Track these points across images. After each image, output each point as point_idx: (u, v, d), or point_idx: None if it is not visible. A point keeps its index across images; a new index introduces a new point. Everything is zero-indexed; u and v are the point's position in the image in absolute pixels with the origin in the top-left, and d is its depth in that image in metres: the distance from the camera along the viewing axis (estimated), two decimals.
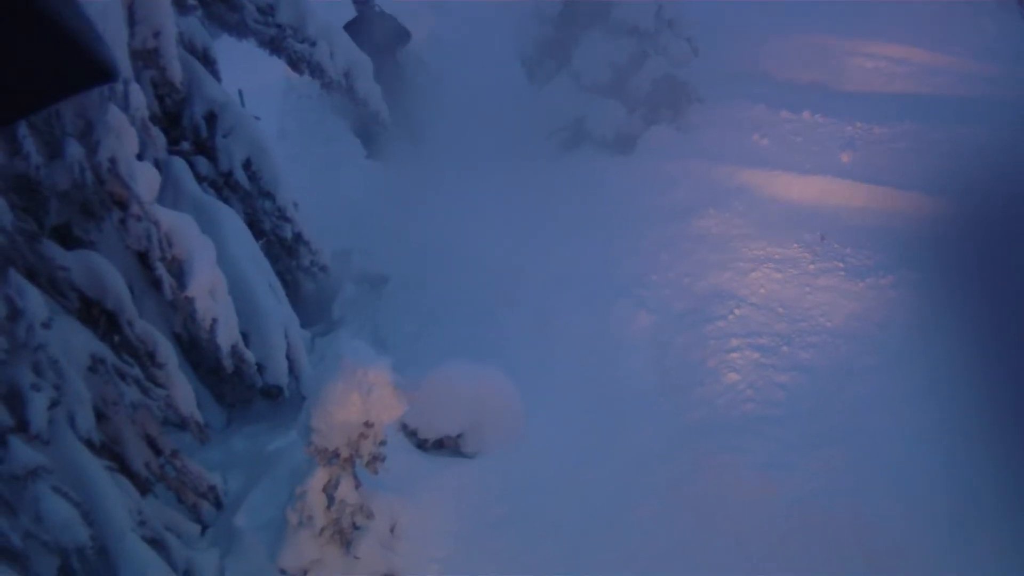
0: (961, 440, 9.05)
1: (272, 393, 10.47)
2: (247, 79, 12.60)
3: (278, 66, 12.35)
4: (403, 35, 19.46)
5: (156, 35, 8.16)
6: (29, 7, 1.40)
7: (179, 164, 10.04)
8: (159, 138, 8.99)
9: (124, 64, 7.11)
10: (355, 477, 7.57)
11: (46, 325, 6.74)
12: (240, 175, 10.87)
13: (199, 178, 10.49)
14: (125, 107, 7.25)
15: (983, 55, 16.39)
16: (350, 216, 14.98)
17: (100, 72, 1.53)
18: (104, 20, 6.90)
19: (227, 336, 8.56)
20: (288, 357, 10.19)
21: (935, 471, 8.82)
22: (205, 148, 10.83)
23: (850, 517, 8.45)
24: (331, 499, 7.48)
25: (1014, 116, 13.62)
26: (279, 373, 10.07)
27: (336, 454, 7.36)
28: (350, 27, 18.11)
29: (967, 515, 8.43)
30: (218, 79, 11.07)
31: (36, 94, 1.59)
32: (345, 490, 7.51)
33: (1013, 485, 8.56)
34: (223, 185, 10.95)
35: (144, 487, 8.13)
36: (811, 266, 11.68)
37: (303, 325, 10.95)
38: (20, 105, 1.60)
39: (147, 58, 8.26)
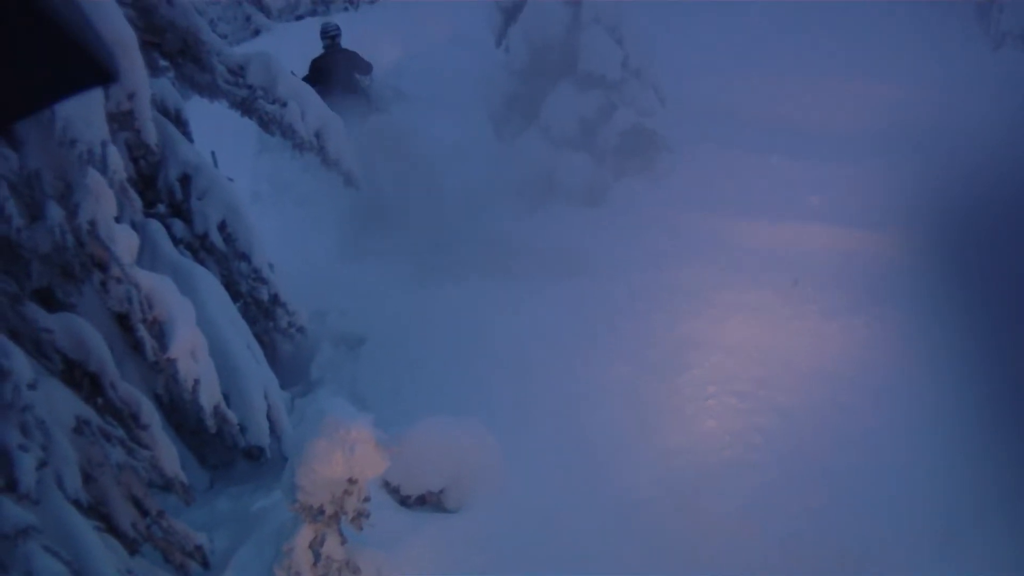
0: (944, 472, 9.14)
1: (254, 454, 10.47)
2: (219, 141, 12.64)
3: (250, 127, 12.40)
4: (366, 67, 19.85)
5: (131, 97, 8.19)
6: (29, 7, 1.43)
7: (155, 227, 10.06)
8: (136, 200, 9.03)
9: (101, 126, 7.16)
10: (340, 533, 7.57)
11: (32, 386, 6.76)
12: (216, 237, 10.88)
13: (175, 241, 10.50)
14: (104, 169, 7.28)
15: (948, 85, 16.63)
16: (324, 278, 15.01)
17: (100, 72, 1.57)
18: None
19: (209, 397, 8.57)
20: (269, 418, 10.16)
21: (919, 505, 8.90)
22: (180, 211, 10.84)
23: (835, 554, 8.51)
24: (317, 555, 7.48)
25: (981, 145, 13.78)
26: (260, 433, 10.06)
27: (321, 511, 7.37)
28: (317, 63, 18.48)
29: (953, 548, 8.51)
30: (191, 141, 11.12)
31: (36, 94, 1.62)
32: (331, 546, 7.51)
33: (997, 515, 8.65)
34: (199, 247, 10.96)
35: (132, 547, 8.12)
36: (785, 310, 11.78)
37: (282, 386, 10.93)
38: (20, 106, 1.65)
39: (122, 120, 8.29)
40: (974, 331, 10.65)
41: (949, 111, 15.96)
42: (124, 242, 7.79)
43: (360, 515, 7.46)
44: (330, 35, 19.86)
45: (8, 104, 1.62)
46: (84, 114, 7.01)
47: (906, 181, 13.94)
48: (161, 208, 10.67)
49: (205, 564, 8.89)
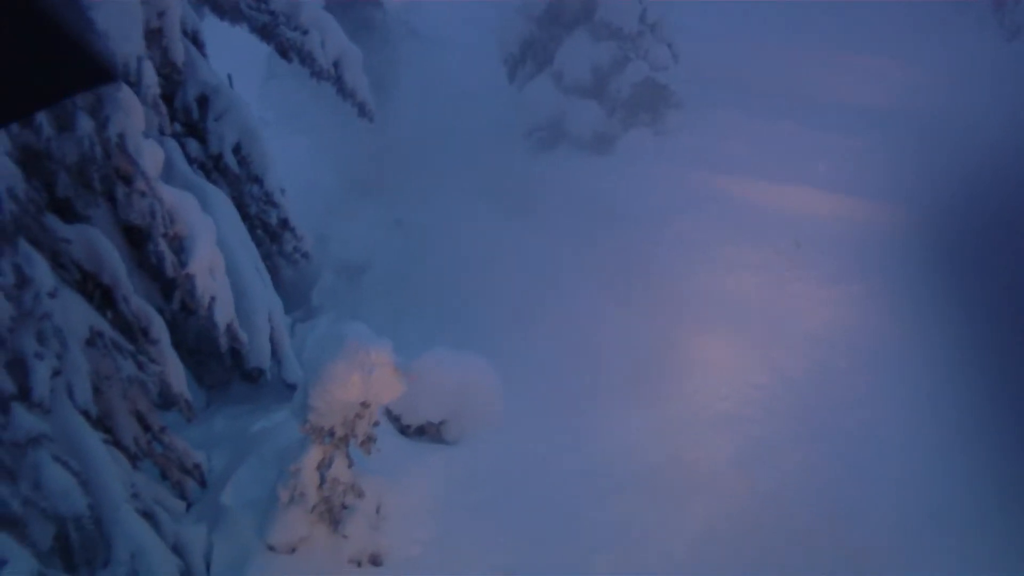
0: (933, 439, 9.30)
1: (252, 376, 10.54)
2: (228, 65, 12.66)
3: (259, 54, 12.38)
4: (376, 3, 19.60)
5: (160, 15, 8.25)
6: (29, 7, 1.44)
7: (171, 145, 10.10)
8: (165, 117, 9.05)
9: (139, 41, 7.21)
10: (348, 457, 7.66)
11: (52, 294, 6.84)
12: (230, 159, 10.92)
13: (189, 160, 10.54)
14: (138, 84, 7.35)
15: (958, 71, 16.72)
16: (329, 206, 15.08)
17: (100, 72, 1.61)
18: None
19: (224, 314, 8.64)
20: (271, 340, 10.26)
21: (908, 469, 9.06)
22: (196, 130, 10.89)
23: (825, 512, 8.64)
24: (323, 478, 7.57)
25: (985, 130, 13.89)
26: (262, 355, 10.13)
27: (331, 433, 7.46)
28: None
29: (940, 512, 8.65)
30: (207, 63, 11.14)
31: (36, 94, 1.62)
32: (338, 469, 7.61)
33: (985, 480, 8.80)
34: (212, 168, 11.00)
35: (132, 462, 8.21)
36: (785, 272, 11.90)
37: (284, 311, 11.03)
38: (19, 105, 1.64)
39: (151, 38, 8.34)
40: (968, 303, 10.79)
41: (958, 95, 16.07)
42: (150, 156, 7.84)
43: (369, 439, 7.56)
44: None
45: (8, 104, 1.61)
46: (122, 27, 7.06)
47: (910, 157, 14.05)
48: (177, 127, 10.70)
49: (202, 483, 8.98)
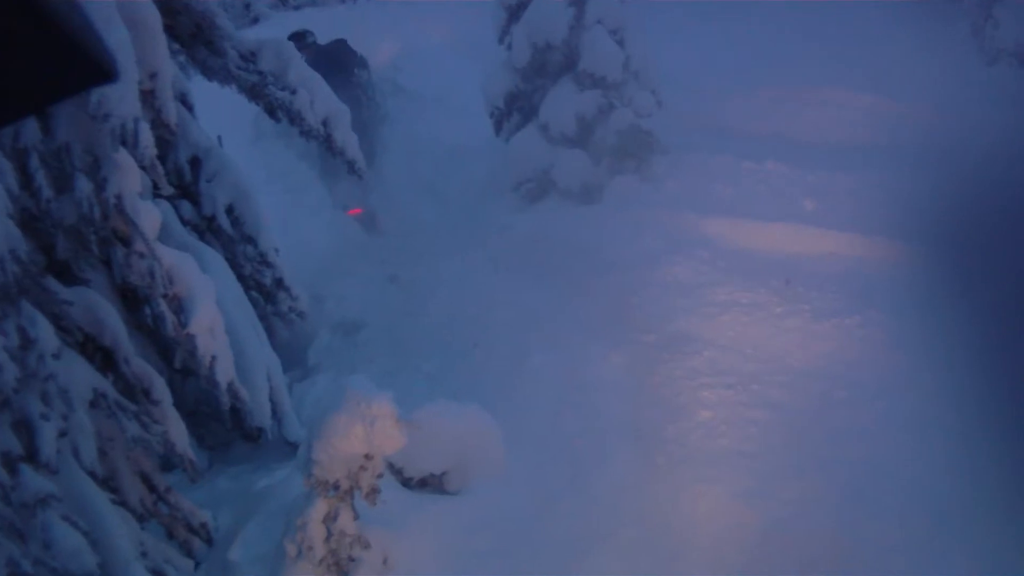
0: (935, 468, 9.35)
1: (252, 435, 10.58)
2: (216, 126, 12.76)
3: (246, 115, 12.46)
4: (357, 59, 19.60)
5: (152, 76, 8.33)
6: (29, 7, 1.47)
7: (166, 207, 10.20)
8: (162, 177, 9.15)
9: (134, 103, 7.32)
10: (353, 509, 7.72)
11: (56, 355, 6.92)
12: (223, 220, 11.01)
13: (183, 222, 10.64)
14: (134, 145, 7.45)
15: (942, 103, 16.84)
16: (319, 263, 15.16)
17: (100, 72, 1.68)
18: (118, 56, 7.10)
19: (225, 373, 8.74)
20: (271, 399, 10.33)
21: (914, 496, 9.09)
22: (189, 192, 10.98)
23: (827, 541, 8.68)
24: (330, 531, 7.62)
25: (972, 162, 14.01)
26: (263, 414, 10.19)
27: (336, 486, 7.50)
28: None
29: (942, 540, 8.69)
30: (198, 124, 11.25)
31: (36, 94, 1.68)
32: (344, 521, 7.63)
33: (988, 511, 8.84)
34: (206, 229, 11.08)
35: (140, 522, 8.27)
36: (778, 309, 11.95)
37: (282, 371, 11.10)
38: (19, 105, 1.71)
39: (144, 99, 8.42)
40: (963, 332, 10.86)
41: (943, 126, 16.24)
42: (148, 218, 7.96)
43: (374, 491, 7.61)
44: (304, 43, 18.89)
45: (8, 104, 1.67)
46: (119, 89, 7.16)
47: (898, 189, 14.16)
48: (170, 189, 10.79)
49: (209, 541, 9.04)
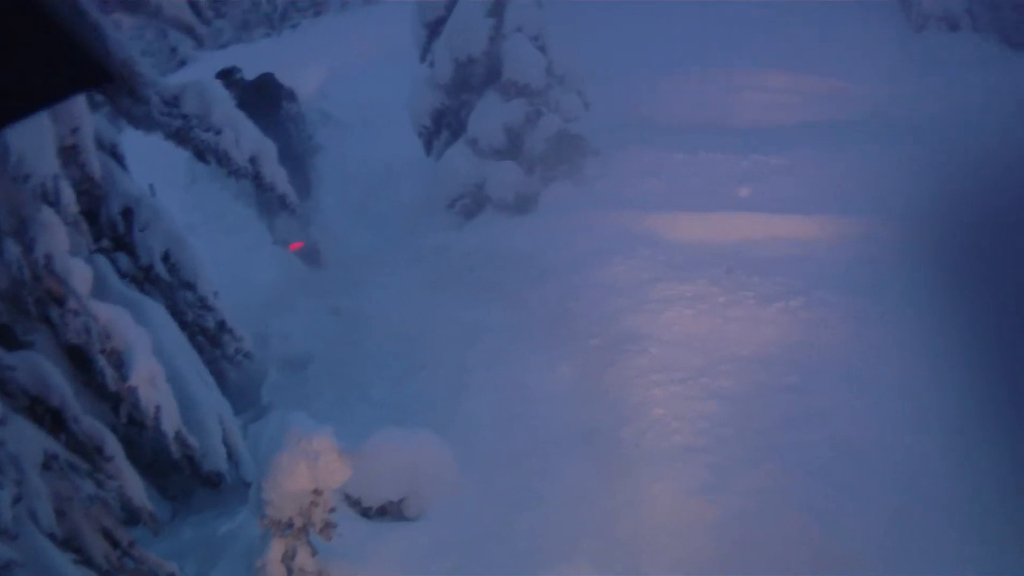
0: (889, 442, 9.39)
1: (213, 481, 10.53)
2: (149, 175, 12.70)
3: (179, 160, 12.44)
4: (289, 94, 19.59)
5: (74, 131, 8.30)
6: (29, 8, 1.52)
7: (102, 261, 10.14)
8: (87, 234, 9.10)
9: (52, 160, 7.28)
10: (310, 545, 7.69)
11: (2, 422, 6.88)
12: (160, 268, 10.96)
13: (121, 274, 10.58)
14: (57, 203, 7.41)
15: (873, 77, 16.96)
16: (263, 301, 15.12)
17: (99, 72, 1.75)
18: (31, 119, 7.07)
19: (171, 423, 8.69)
20: (225, 443, 10.29)
21: (877, 474, 9.12)
22: (124, 244, 10.92)
23: (797, 526, 8.70)
24: (290, 570, 7.60)
25: (905, 134, 14.10)
26: (218, 459, 10.17)
27: (290, 524, 7.48)
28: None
29: (914, 513, 8.72)
30: (128, 174, 11.19)
31: (36, 95, 1.74)
32: (303, 558, 7.61)
33: (953, 478, 8.89)
34: (144, 279, 11.02)
35: None
36: (721, 299, 12.00)
37: (234, 413, 11.05)
38: (19, 106, 1.77)
39: (66, 156, 8.38)
40: (909, 303, 10.92)
41: (875, 96, 16.34)
42: (79, 275, 7.92)
43: (328, 526, 7.59)
44: (231, 80, 18.95)
45: (8, 104, 1.73)
46: (36, 148, 7.13)
47: (838, 171, 14.23)
48: (105, 242, 10.73)
49: None
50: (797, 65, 18.24)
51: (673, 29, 20.37)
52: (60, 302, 7.95)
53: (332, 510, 7.66)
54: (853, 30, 19.09)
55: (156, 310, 10.30)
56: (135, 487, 8.48)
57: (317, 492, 7.47)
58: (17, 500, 6.97)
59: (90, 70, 1.74)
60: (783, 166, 14.81)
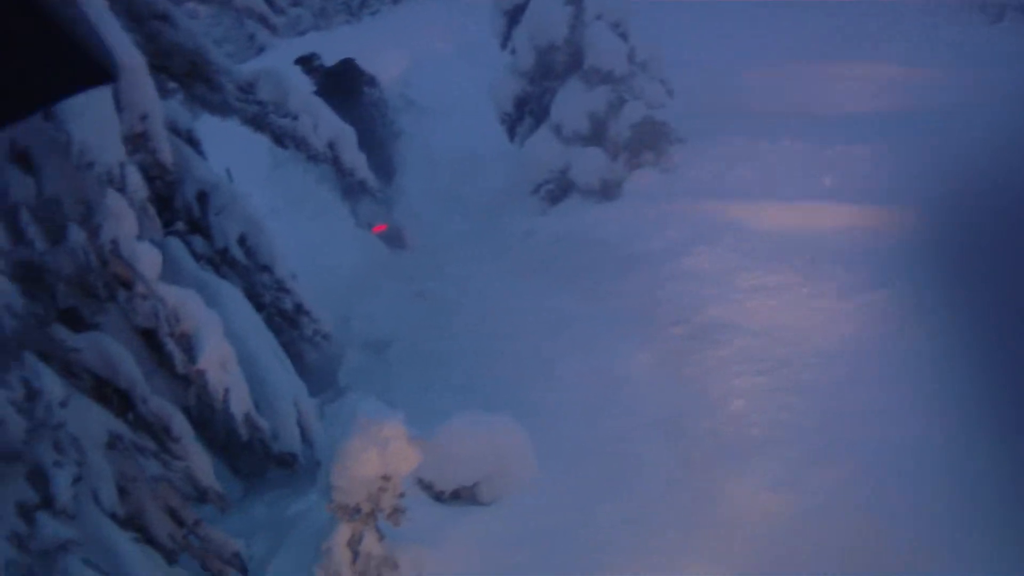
0: (970, 442, 9.14)
1: (286, 461, 10.53)
2: (232, 158, 12.72)
3: (262, 144, 12.45)
4: (370, 80, 19.58)
5: (143, 119, 8.26)
6: (29, 7, 1.46)
7: (176, 244, 10.17)
8: (154, 220, 9.10)
9: (117, 148, 7.25)
10: (378, 530, 7.64)
11: (63, 404, 6.88)
12: (236, 251, 10.98)
13: (196, 257, 10.60)
14: (123, 189, 7.39)
15: (953, 64, 16.66)
16: (346, 284, 15.13)
17: (100, 72, 1.66)
18: (95, 108, 7.07)
19: (240, 405, 8.67)
20: (299, 424, 10.28)
21: (951, 472, 8.86)
22: (199, 227, 10.94)
23: (863, 523, 8.49)
24: (356, 554, 7.56)
25: (989, 120, 13.80)
26: (291, 440, 10.18)
27: (358, 509, 7.45)
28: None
29: (978, 513, 8.50)
30: (204, 159, 11.21)
31: (36, 94, 1.67)
32: (370, 544, 7.58)
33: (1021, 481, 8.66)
34: (220, 262, 11.05)
35: (170, 557, 8.21)
36: (804, 289, 11.80)
37: (311, 393, 11.02)
38: (19, 106, 1.68)
39: (136, 142, 8.36)
40: (991, 303, 10.66)
41: (953, 88, 16.01)
42: (147, 259, 7.90)
43: (396, 511, 7.54)
44: (311, 67, 19.42)
45: (8, 104, 1.65)
46: (99, 137, 7.09)
47: (916, 157, 13.91)
48: (180, 226, 10.76)
49: (244, 571, 8.96)
50: (878, 55, 18.00)
51: (751, 19, 20.25)
52: (128, 286, 7.93)
53: (401, 495, 7.61)
54: (932, 23, 18.85)
55: (231, 292, 10.31)
56: (203, 467, 8.48)
57: (386, 478, 7.42)
58: (77, 480, 6.98)
59: (90, 70, 1.65)
60: (866, 155, 14.54)
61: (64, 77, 1.64)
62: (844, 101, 16.78)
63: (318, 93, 16.15)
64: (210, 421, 9.70)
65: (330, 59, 19.40)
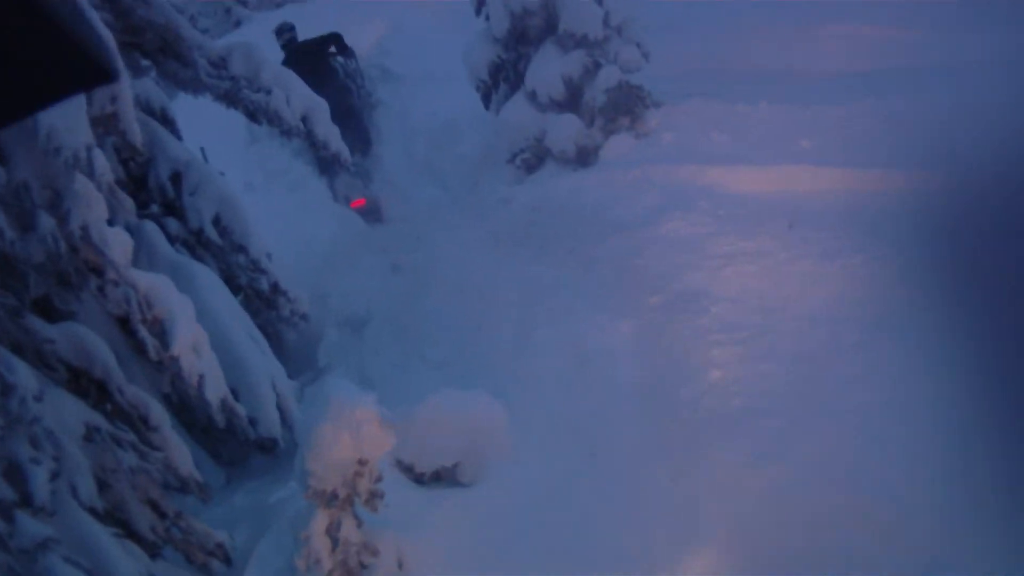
0: (951, 405, 9.11)
1: (267, 447, 10.48)
2: (208, 136, 12.63)
3: (238, 120, 12.38)
4: (347, 51, 19.51)
5: (113, 100, 8.19)
6: (29, 7, 1.44)
7: (150, 227, 10.10)
8: (127, 202, 9.04)
9: (85, 131, 7.18)
10: (356, 516, 7.58)
11: (38, 398, 6.81)
12: (211, 232, 10.91)
13: (171, 238, 10.53)
14: (91, 173, 7.32)
15: (935, 25, 16.57)
16: (323, 259, 15.06)
17: (100, 72, 1.62)
18: None
19: (215, 391, 8.62)
20: (279, 408, 10.23)
21: (929, 437, 8.84)
22: (173, 208, 10.87)
23: (850, 493, 8.47)
24: (335, 541, 7.50)
25: (972, 82, 13.75)
26: (271, 425, 10.12)
27: (335, 495, 7.37)
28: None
29: (966, 477, 8.46)
30: (179, 138, 11.13)
31: (36, 94, 1.64)
32: (348, 530, 7.52)
33: (1006, 457, 8.62)
34: (195, 243, 10.98)
35: (152, 551, 8.16)
36: (782, 255, 11.72)
37: (290, 375, 10.97)
38: (19, 106, 1.66)
39: (107, 123, 8.29)
40: (972, 264, 10.63)
41: (940, 52, 15.94)
42: (118, 245, 7.84)
43: (374, 496, 7.48)
44: (284, 36, 19.26)
45: (8, 104, 1.64)
46: (67, 121, 7.03)
47: (900, 120, 13.89)
48: (154, 208, 10.70)
49: (228, 561, 8.93)
50: (858, 16, 17.91)
51: None
52: (99, 272, 7.87)
53: (379, 480, 7.55)
54: None
55: (205, 274, 10.24)
56: (182, 456, 8.44)
57: (362, 463, 7.36)
58: (55, 476, 6.93)
59: (90, 70, 1.63)
60: (843, 116, 14.46)
61: (64, 77, 1.62)
62: (824, 63, 16.69)
63: (290, 64, 16.09)
64: (190, 408, 9.66)
65: (308, 30, 19.26)
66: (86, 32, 1.52)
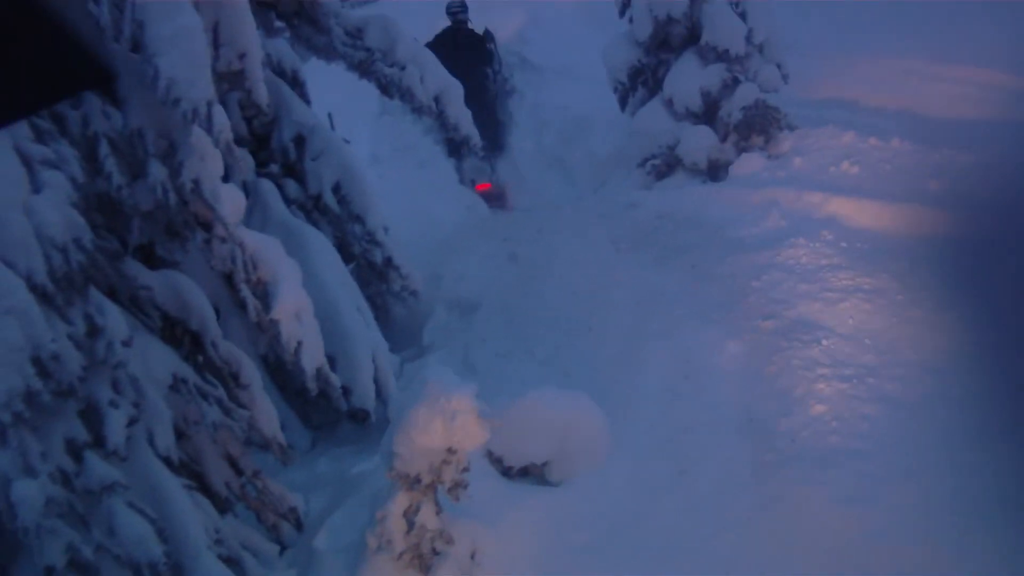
0: None
1: (359, 416, 10.46)
2: (340, 103, 12.64)
3: (371, 90, 12.37)
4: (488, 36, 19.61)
5: (241, 57, 8.19)
6: (30, 7, 1.42)
7: (267, 186, 10.11)
8: (245, 160, 9.03)
9: (207, 86, 7.15)
10: (436, 503, 7.52)
11: (126, 343, 6.80)
12: (329, 198, 10.91)
13: (288, 201, 10.54)
14: (208, 129, 7.29)
15: None
16: (442, 241, 15.02)
17: (99, 73, 1.62)
18: (185, 43, 6.97)
19: (312, 359, 8.56)
20: (375, 381, 10.18)
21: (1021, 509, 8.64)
22: (294, 171, 10.88)
23: (932, 549, 8.26)
24: (411, 524, 7.44)
25: None
26: (366, 397, 10.07)
27: (418, 479, 7.32)
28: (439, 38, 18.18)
29: None
30: (307, 102, 11.12)
31: (35, 95, 1.62)
32: (426, 516, 7.46)
33: None
34: (312, 208, 11.00)
35: (224, 506, 8.15)
36: (899, 296, 11.49)
37: (393, 350, 10.94)
38: (19, 106, 1.64)
39: (233, 80, 8.29)
40: None
41: None
42: (230, 202, 7.80)
43: (458, 485, 7.43)
44: (453, 11, 19.32)
45: (8, 104, 1.61)
46: (188, 73, 7.01)
47: (1021, 175, 13.60)
48: (274, 168, 10.70)
49: (299, 526, 8.91)
50: (998, 63, 17.45)
51: (876, 13, 19.80)
52: (207, 227, 7.86)
53: (465, 470, 7.48)
54: None
55: (318, 240, 10.24)
56: (268, 417, 8.44)
57: (451, 451, 7.29)
58: (133, 422, 6.93)
59: (90, 70, 1.64)
60: (972, 164, 14.15)
61: (64, 77, 1.60)
62: (957, 106, 16.33)
63: (449, 40, 16.10)
64: (285, 371, 9.64)
65: (436, 13, 19.29)
66: (87, 32, 1.54)
